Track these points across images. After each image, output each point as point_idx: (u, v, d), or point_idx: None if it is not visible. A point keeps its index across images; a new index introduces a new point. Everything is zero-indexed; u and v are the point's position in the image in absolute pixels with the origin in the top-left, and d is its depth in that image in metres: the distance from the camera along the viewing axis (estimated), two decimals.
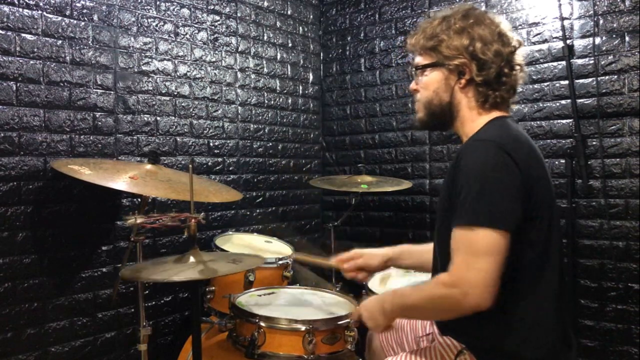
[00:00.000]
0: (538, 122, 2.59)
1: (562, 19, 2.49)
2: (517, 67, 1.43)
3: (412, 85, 1.53)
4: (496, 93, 1.40)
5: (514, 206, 1.23)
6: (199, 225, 1.56)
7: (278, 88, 3.12)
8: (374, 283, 2.23)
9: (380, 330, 1.49)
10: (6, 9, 1.97)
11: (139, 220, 1.56)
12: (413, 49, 1.51)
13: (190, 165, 1.55)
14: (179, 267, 1.50)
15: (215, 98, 2.74)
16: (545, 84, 2.57)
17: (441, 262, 1.47)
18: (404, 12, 3.09)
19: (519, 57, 1.44)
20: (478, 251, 1.20)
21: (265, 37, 3.04)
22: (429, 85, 1.46)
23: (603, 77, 2.41)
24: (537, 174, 1.30)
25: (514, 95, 1.45)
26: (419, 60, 1.48)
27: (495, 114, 1.42)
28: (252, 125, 2.95)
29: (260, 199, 3.00)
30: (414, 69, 1.50)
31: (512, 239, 1.22)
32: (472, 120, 1.42)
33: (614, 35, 2.39)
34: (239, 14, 2.87)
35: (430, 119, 1.49)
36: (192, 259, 1.54)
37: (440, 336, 1.46)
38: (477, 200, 1.21)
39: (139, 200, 2.26)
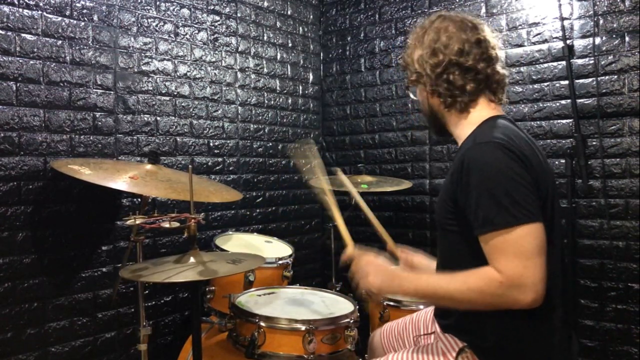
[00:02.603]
0: (538, 122, 2.59)
1: (562, 19, 2.49)
2: (471, 68, 1.38)
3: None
4: (457, 99, 1.41)
5: (535, 196, 1.24)
6: (199, 225, 1.56)
7: (278, 88, 3.12)
8: None
9: (372, 291, 1.41)
10: (6, 9, 1.97)
11: (138, 221, 1.57)
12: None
13: (190, 166, 1.55)
14: (179, 267, 1.50)
15: (215, 98, 2.74)
16: (545, 84, 2.57)
17: (442, 264, 1.47)
18: (404, 12, 3.09)
19: (472, 57, 1.38)
20: (527, 250, 1.20)
21: (265, 37, 3.04)
22: (418, 98, 1.56)
23: (603, 77, 2.41)
24: (541, 171, 1.31)
25: (478, 97, 1.42)
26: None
27: (487, 113, 1.41)
28: (252, 125, 2.95)
29: (260, 199, 3.00)
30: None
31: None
32: (459, 122, 1.44)
33: (614, 35, 2.39)
34: (239, 14, 2.87)
35: (431, 126, 1.57)
36: (192, 259, 1.54)
37: (442, 334, 1.46)
38: (502, 200, 1.21)
39: (139, 200, 2.26)
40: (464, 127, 1.43)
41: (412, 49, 1.47)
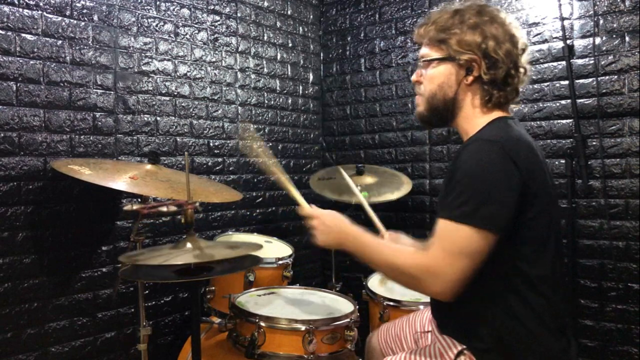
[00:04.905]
0: (538, 122, 2.59)
1: (562, 19, 2.49)
2: (522, 70, 1.41)
3: (415, 77, 1.48)
4: (501, 93, 1.38)
5: (505, 208, 1.22)
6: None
7: (278, 88, 3.12)
8: (373, 283, 2.23)
9: (320, 244, 1.53)
10: (6, 9, 1.97)
11: (135, 207, 1.56)
12: (421, 40, 1.46)
13: (186, 152, 1.54)
14: (175, 252, 1.51)
15: (215, 98, 2.74)
16: (545, 84, 2.57)
17: None
18: (404, 12, 3.09)
19: (525, 59, 1.43)
20: (458, 249, 1.22)
21: (265, 37, 3.04)
22: (434, 78, 1.41)
23: (603, 77, 2.41)
24: (537, 175, 1.30)
25: (517, 97, 1.44)
26: (427, 52, 1.43)
27: (497, 113, 1.41)
28: (252, 126, 2.95)
29: (260, 199, 3.00)
30: (419, 60, 1.46)
31: (500, 240, 1.22)
32: (474, 118, 1.40)
33: (614, 35, 2.39)
34: (239, 14, 2.87)
35: (431, 113, 1.45)
36: (189, 244, 1.55)
37: (440, 335, 1.45)
38: (468, 198, 1.22)
39: (139, 200, 2.26)
40: (475, 124, 1.40)
41: (461, 29, 1.38)
